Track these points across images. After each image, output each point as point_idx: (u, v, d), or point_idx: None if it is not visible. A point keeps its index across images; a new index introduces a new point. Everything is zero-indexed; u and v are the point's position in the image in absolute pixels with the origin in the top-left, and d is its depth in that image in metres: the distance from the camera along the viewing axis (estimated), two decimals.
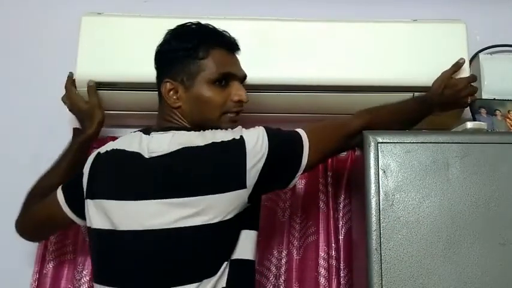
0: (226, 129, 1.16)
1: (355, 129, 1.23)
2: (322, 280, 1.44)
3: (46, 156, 1.38)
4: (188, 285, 1.05)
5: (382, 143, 1.19)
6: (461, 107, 1.46)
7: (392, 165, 1.18)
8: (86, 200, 1.18)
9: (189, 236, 1.06)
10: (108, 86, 1.45)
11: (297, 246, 1.50)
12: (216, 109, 1.17)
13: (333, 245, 1.47)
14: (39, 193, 1.31)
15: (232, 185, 1.08)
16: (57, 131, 1.53)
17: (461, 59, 1.44)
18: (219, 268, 1.07)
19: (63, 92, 1.45)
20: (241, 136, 1.11)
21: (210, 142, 1.10)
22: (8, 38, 1.74)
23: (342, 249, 1.48)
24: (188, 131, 1.15)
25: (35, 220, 1.30)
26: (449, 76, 1.42)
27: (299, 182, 1.54)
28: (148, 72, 1.25)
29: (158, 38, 1.21)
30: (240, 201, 1.09)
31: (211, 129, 1.15)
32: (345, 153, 1.50)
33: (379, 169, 1.17)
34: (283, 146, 1.15)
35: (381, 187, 1.16)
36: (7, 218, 1.32)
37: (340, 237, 1.49)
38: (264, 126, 1.16)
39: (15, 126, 1.52)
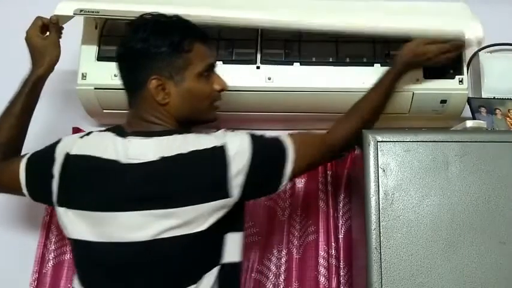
0: (213, 119, 1.21)
1: (334, 143, 1.22)
2: (322, 279, 1.44)
3: None
4: None
5: (381, 141, 1.19)
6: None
7: (392, 164, 1.18)
8: (58, 208, 1.13)
9: (172, 247, 1.05)
10: (90, 12, 1.37)
11: (297, 245, 1.50)
12: (206, 100, 1.18)
13: (333, 244, 1.47)
14: None
15: (215, 195, 1.06)
16: (57, 131, 1.53)
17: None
18: (205, 275, 1.06)
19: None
20: (223, 143, 1.09)
21: (193, 150, 1.08)
22: (8, 38, 1.74)
23: (341, 248, 1.48)
24: (171, 134, 1.12)
25: None
26: (422, 43, 1.31)
27: (299, 181, 1.54)
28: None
29: None
30: (224, 209, 1.08)
31: (198, 122, 1.18)
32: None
33: (379, 168, 1.17)
34: (267, 152, 1.13)
35: (380, 186, 1.16)
36: (7, 218, 1.32)
37: (340, 236, 1.49)
38: (247, 133, 1.14)
39: None
